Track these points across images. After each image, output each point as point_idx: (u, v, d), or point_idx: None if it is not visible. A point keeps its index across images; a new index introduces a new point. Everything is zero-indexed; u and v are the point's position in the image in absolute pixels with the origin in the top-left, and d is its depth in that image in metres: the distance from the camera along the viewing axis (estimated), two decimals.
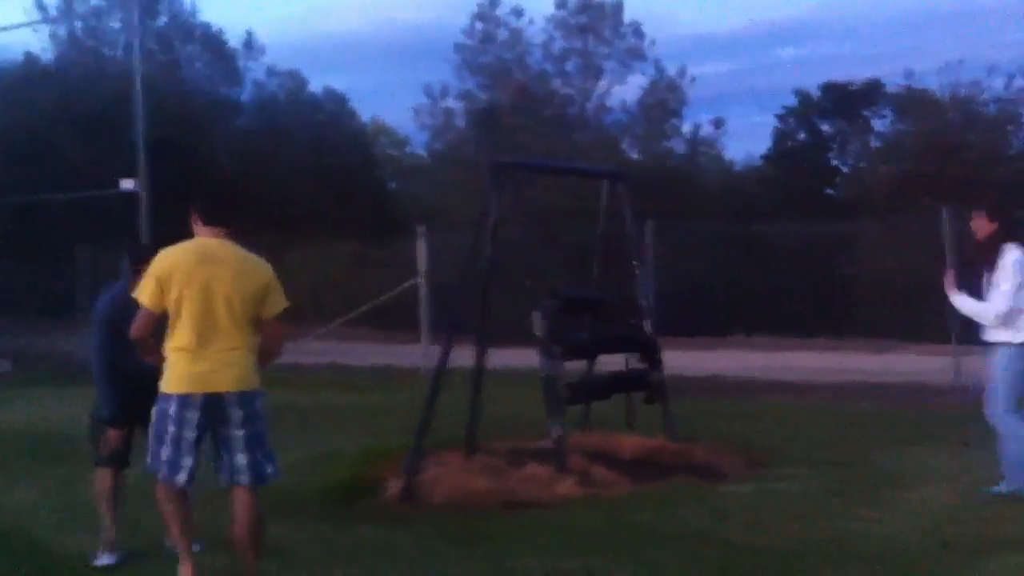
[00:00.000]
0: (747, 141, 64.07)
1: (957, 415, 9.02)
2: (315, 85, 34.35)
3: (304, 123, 31.34)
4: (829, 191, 31.87)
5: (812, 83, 32.45)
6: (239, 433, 4.73)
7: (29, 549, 5.94)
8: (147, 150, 14.29)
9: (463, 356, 7.52)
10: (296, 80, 33.78)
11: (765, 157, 33.60)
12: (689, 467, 7.52)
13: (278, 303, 4.81)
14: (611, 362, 8.62)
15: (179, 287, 4.63)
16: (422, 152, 33.00)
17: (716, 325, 17.41)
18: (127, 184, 13.81)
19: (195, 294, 4.63)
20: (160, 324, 4.74)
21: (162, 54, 29.93)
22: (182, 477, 4.75)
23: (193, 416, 4.67)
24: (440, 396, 7.37)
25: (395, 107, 64.42)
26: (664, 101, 26.17)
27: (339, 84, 52.74)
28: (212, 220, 4.83)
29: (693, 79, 26.43)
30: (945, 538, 5.60)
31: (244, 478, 4.77)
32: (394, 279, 15.46)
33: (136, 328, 4.73)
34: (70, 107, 21.86)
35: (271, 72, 33.07)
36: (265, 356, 4.85)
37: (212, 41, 32.24)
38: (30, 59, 28.57)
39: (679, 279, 15.39)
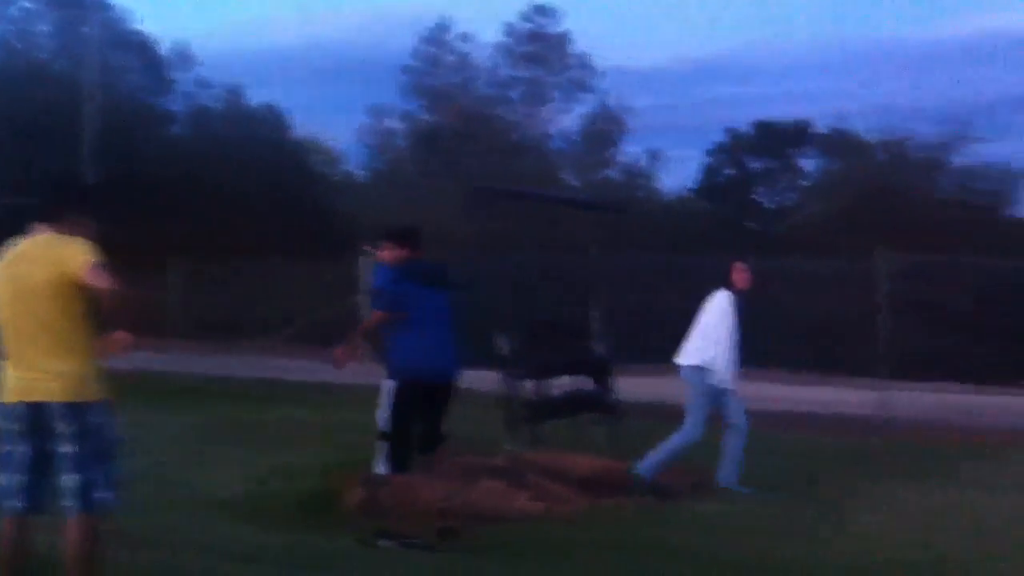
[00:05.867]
0: (680, 174, 65.01)
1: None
2: (253, 100, 34.10)
3: (239, 137, 31.07)
4: (751, 225, 32.63)
5: (744, 120, 33.41)
6: (67, 450, 4.22)
7: None
8: (91, 156, 14.16)
9: None
10: (232, 93, 33.53)
11: (694, 190, 34.41)
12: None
13: (80, 260, 4.12)
14: (560, 383, 8.78)
15: None
16: (357, 171, 33.02)
17: (661, 352, 17.58)
18: None
19: (8, 298, 4.27)
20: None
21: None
22: (15, 502, 4.30)
23: (17, 428, 4.27)
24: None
25: (332, 125, 64.03)
26: (605, 131, 26.64)
27: (277, 100, 52.02)
28: (38, 214, 4.38)
29: (631, 111, 26.99)
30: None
31: (69, 503, 4.23)
32: (335, 297, 15.47)
33: None
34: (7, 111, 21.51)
35: (201, 84, 32.77)
36: (110, 320, 4.17)
37: (143, 50, 31.85)
38: None
39: (621, 305, 15.63)
